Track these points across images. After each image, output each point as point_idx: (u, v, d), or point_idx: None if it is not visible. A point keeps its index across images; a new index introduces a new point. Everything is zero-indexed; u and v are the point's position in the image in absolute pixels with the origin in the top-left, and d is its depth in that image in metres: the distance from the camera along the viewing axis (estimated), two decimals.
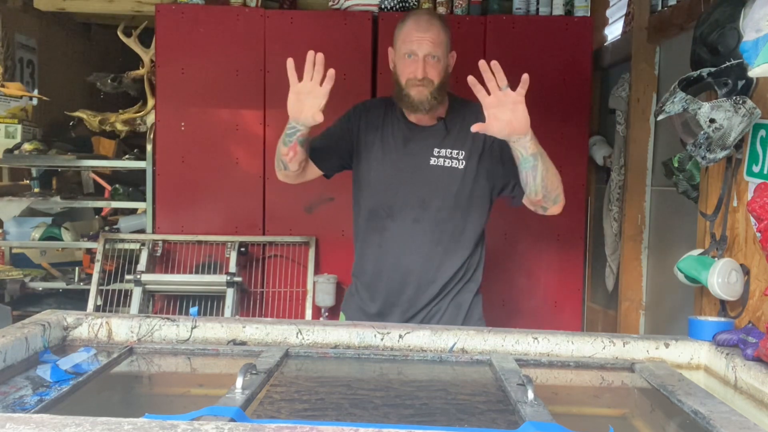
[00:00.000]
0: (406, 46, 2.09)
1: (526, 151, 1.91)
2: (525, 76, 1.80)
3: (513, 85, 1.83)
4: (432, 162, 2.15)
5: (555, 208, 2.09)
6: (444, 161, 2.15)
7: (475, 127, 1.88)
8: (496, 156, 2.13)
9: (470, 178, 2.15)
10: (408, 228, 2.16)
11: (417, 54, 2.07)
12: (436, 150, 2.16)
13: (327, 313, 3.70)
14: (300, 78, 1.95)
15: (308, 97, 1.95)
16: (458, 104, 2.21)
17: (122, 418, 1.04)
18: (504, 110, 1.82)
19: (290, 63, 1.93)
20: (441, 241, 2.16)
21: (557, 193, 2.04)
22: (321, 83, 1.95)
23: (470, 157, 2.15)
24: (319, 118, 1.95)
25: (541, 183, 1.98)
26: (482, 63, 1.80)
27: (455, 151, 2.15)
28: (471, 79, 1.82)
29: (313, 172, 2.23)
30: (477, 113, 2.19)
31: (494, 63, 1.79)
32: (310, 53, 1.92)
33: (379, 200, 2.20)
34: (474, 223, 2.19)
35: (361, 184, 2.25)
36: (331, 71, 1.92)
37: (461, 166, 2.15)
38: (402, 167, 2.17)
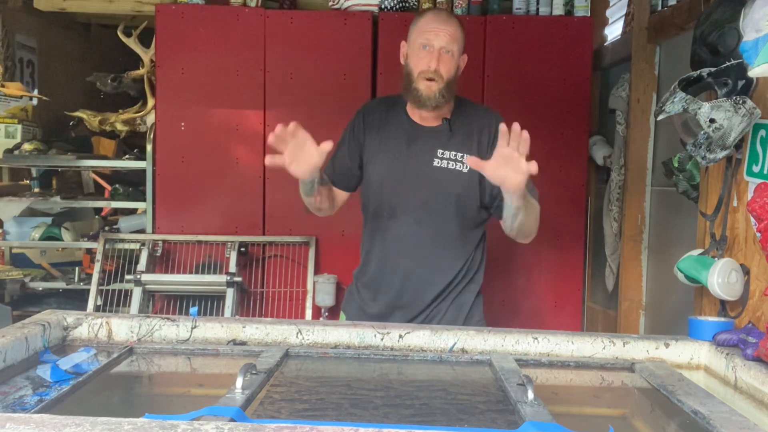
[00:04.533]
0: (423, 37, 2.08)
1: (511, 201, 1.94)
2: (534, 166, 1.79)
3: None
4: (435, 164, 2.14)
5: (523, 241, 2.15)
6: (447, 163, 2.14)
7: (471, 161, 1.88)
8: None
9: (473, 182, 2.14)
10: (410, 229, 2.15)
11: (433, 45, 2.06)
12: (440, 151, 2.15)
13: (327, 313, 3.70)
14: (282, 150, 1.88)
15: (302, 151, 1.87)
16: (464, 106, 2.20)
17: (122, 418, 1.04)
18: (507, 167, 1.81)
19: (269, 161, 1.86)
20: (442, 243, 2.16)
21: (528, 234, 2.10)
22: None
23: None
24: (327, 146, 1.86)
25: (517, 227, 2.04)
26: (515, 125, 1.78)
27: (459, 154, 2.14)
28: (503, 128, 1.80)
29: (342, 195, 2.25)
30: (482, 116, 2.18)
31: (525, 133, 1.77)
32: (270, 137, 1.84)
33: (381, 201, 2.20)
34: (475, 225, 2.19)
35: (366, 184, 2.25)
36: (292, 124, 1.85)
37: (465, 170, 2.13)
38: (405, 168, 2.17)
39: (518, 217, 1.99)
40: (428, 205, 2.15)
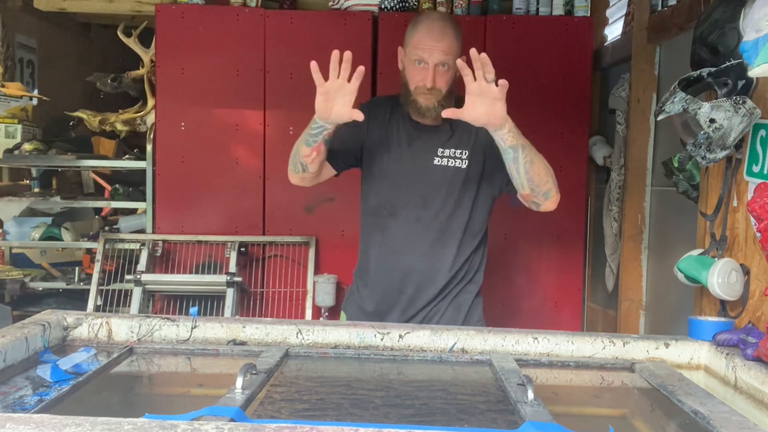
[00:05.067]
0: (417, 53, 2.06)
1: (505, 142, 1.91)
2: (503, 82, 1.83)
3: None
4: (436, 162, 2.15)
5: (548, 204, 2.05)
6: (447, 161, 2.15)
7: (447, 112, 1.90)
8: (495, 152, 2.12)
9: (473, 177, 2.15)
10: (410, 227, 2.16)
11: (428, 62, 2.05)
12: (440, 150, 2.16)
13: (327, 313, 3.70)
14: (325, 78, 1.90)
15: (338, 95, 1.90)
16: (463, 105, 2.19)
17: (122, 418, 1.04)
18: (483, 101, 1.84)
19: (314, 65, 1.88)
20: (442, 241, 2.16)
21: (547, 188, 2.01)
22: (349, 80, 1.90)
23: (473, 157, 2.15)
24: (358, 116, 1.91)
25: (525, 175, 1.96)
26: (473, 51, 1.80)
27: (458, 151, 2.15)
28: (460, 62, 1.83)
29: (328, 171, 2.17)
30: None
31: (484, 55, 1.80)
32: (335, 52, 1.88)
33: (382, 198, 2.20)
34: (476, 223, 2.19)
35: (366, 182, 2.25)
36: (360, 68, 1.88)
37: (464, 166, 2.15)
38: (406, 166, 2.17)
39: (520, 162, 1.93)
40: (428, 202, 2.15)
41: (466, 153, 2.15)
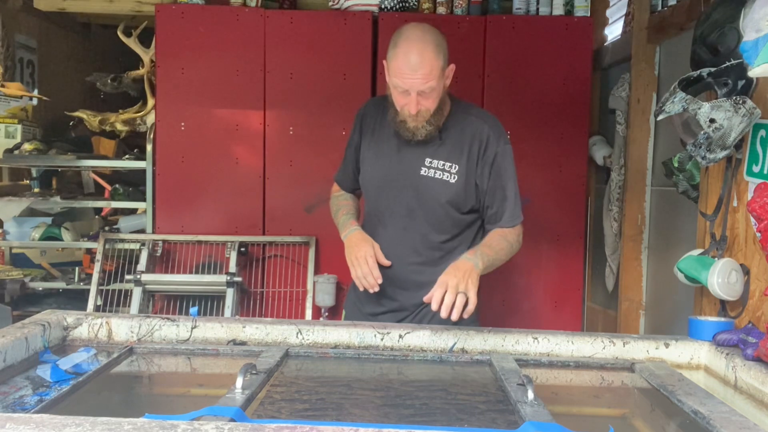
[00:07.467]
0: (397, 81, 2.00)
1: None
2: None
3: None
4: (422, 172, 2.11)
5: None
6: (435, 173, 2.11)
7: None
8: (484, 185, 2.13)
9: (462, 192, 2.11)
10: (397, 236, 2.14)
11: (408, 91, 1.99)
12: (428, 160, 2.11)
13: (327, 313, 3.70)
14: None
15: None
16: (459, 111, 2.15)
17: (122, 418, 1.05)
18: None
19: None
20: (430, 250, 2.14)
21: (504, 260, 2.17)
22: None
23: (464, 172, 2.11)
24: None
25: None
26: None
27: (448, 164, 2.10)
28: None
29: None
30: (475, 124, 2.15)
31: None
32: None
33: (372, 206, 2.21)
34: (466, 230, 2.17)
35: (363, 188, 2.25)
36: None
37: (453, 180, 2.10)
38: (393, 175, 2.15)
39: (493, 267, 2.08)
40: (414, 213, 2.13)
41: (455, 167, 2.10)
